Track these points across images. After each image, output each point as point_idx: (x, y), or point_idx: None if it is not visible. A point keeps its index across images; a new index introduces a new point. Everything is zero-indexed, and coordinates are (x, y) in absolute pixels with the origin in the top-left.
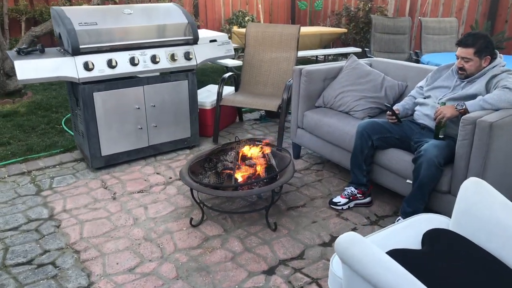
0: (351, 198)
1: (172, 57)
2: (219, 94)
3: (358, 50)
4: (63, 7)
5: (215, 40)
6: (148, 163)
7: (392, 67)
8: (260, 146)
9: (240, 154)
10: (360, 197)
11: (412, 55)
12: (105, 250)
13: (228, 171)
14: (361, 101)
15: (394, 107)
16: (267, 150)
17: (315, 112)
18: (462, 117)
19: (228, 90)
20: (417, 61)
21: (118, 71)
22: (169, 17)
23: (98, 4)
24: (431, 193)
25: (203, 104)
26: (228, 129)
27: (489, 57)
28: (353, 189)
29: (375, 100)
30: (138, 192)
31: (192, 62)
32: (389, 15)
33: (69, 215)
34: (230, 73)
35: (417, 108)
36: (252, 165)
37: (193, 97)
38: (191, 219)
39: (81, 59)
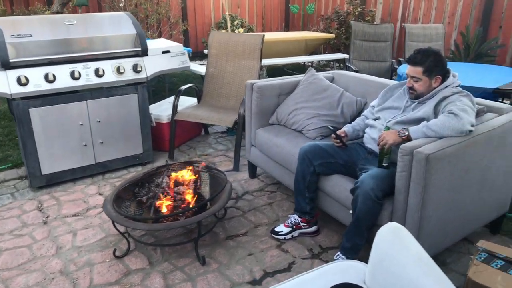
0: (294, 227)
1: (118, 70)
2: (174, 107)
3: (346, 56)
4: None
5: (168, 51)
6: (94, 181)
7: (354, 82)
8: (193, 169)
9: (170, 180)
10: (304, 226)
11: (394, 63)
12: (13, 286)
13: (155, 200)
14: (314, 119)
15: (344, 128)
16: (202, 174)
17: (266, 130)
18: (400, 147)
19: (192, 102)
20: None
21: (57, 85)
22: (117, 28)
23: (58, 12)
24: (373, 228)
25: (159, 117)
26: (190, 143)
27: (439, 77)
28: (296, 217)
29: (330, 119)
30: (72, 216)
31: (142, 75)
32: (376, 21)
33: None
34: (188, 85)
35: (366, 130)
36: (181, 193)
37: (144, 111)
38: (115, 250)
39: (13, 73)
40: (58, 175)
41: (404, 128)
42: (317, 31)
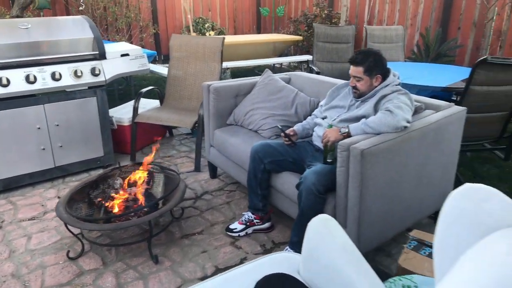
0: (248, 224)
1: (76, 74)
2: (135, 110)
3: (310, 57)
4: None
5: (127, 54)
6: (54, 185)
7: (309, 82)
8: (146, 170)
9: (123, 181)
10: (258, 222)
11: None
12: None
13: (106, 201)
14: (269, 119)
15: (294, 127)
16: (156, 175)
17: (223, 131)
18: (339, 143)
19: (155, 104)
20: None
21: (11, 89)
22: (73, 32)
23: (18, 16)
24: None
25: (121, 120)
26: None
27: (379, 76)
28: (250, 214)
29: (284, 118)
30: (29, 220)
31: (100, 78)
32: (341, 23)
33: None
34: (150, 87)
35: (314, 128)
36: (133, 193)
37: (103, 114)
38: (68, 251)
39: None
40: (16, 180)
41: (345, 126)
42: (286, 34)
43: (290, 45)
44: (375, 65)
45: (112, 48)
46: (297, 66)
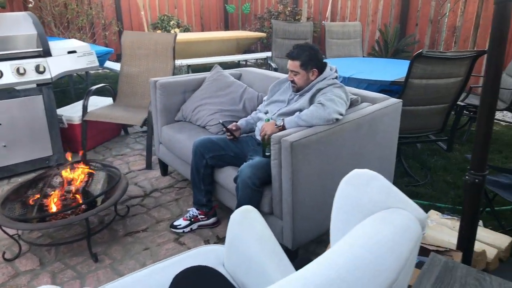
0: (193, 220)
1: (18, 71)
2: (84, 108)
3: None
4: None
5: (74, 51)
6: None
7: (259, 78)
8: (87, 168)
9: (62, 179)
10: (202, 218)
11: None
12: None
13: (42, 200)
14: (216, 115)
15: (238, 122)
16: (96, 173)
17: (171, 127)
18: (272, 136)
19: (109, 101)
20: None
21: None
22: (15, 28)
23: None
24: None
25: (71, 119)
26: (107, 144)
27: (316, 70)
28: (195, 210)
29: (232, 113)
30: None
31: (46, 76)
32: (303, 20)
33: None
34: (101, 85)
35: (257, 123)
36: (70, 191)
37: (50, 113)
38: (4, 253)
39: None
40: None
41: (281, 119)
42: (252, 31)
43: (254, 42)
44: (310, 59)
45: (59, 45)
46: (264, 63)
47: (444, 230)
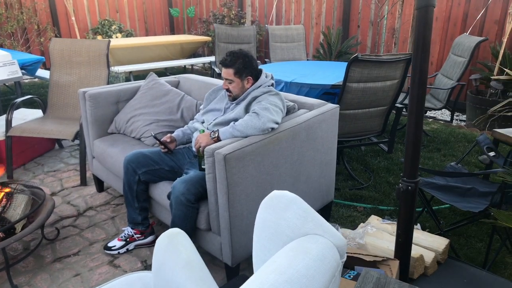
0: (128, 240)
1: None
2: (8, 122)
3: (213, 58)
4: None
5: None
6: None
7: (197, 85)
8: (5, 190)
9: None
10: (139, 237)
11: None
12: None
13: None
14: (152, 126)
15: (174, 133)
16: (17, 195)
17: (103, 141)
18: (205, 149)
19: (39, 114)
20: None
21: None
22: None
23: None
24: (194, 232)
25: None
26: (40, 159)
27: (250, 77)
28: (130, 229)
29: (169, 124)
30: None
31: None
32: (247, 23)
33: None
34: (26, 97)
35: (194, 134)
36: None
37: None
38: None
39: None
40: None
41: (215, 130)
42: (197, 35)
43: (199, 46)
44: (244, 66)
45: None
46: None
47: (385, 236)
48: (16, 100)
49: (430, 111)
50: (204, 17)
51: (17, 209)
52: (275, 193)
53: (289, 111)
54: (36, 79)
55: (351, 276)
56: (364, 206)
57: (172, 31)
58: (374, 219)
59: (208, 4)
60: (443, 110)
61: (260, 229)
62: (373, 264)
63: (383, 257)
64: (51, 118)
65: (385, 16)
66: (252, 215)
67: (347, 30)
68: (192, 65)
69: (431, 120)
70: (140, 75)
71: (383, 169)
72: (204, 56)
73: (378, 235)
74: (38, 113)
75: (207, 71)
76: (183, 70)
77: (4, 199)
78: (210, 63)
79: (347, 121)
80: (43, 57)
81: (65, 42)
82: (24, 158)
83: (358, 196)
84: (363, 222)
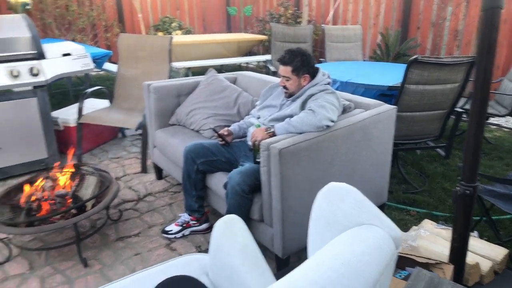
0: (184, 225)
1: (12, 73)
2: (80, 110)
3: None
4: None
5: (69, 54)
6: None
7: (254, 82)
8: (78, 172)
9: (53, 183)
10: (194, 224)
11: None
12: None
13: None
14: (210, 119)
15: (231, 127)
16: (88, 176)
17: (164, 131)
18: (261, 142)
19: (106, 104)
20: None
21: None
22: (9, 30)
23: None
24: (247, 222)
25: (67, 121)
26: (104, 146)
27: (307, 75)
28: (186, 215)
29: (226, 118)
30: None
31: (40, 78)
32: (303, 22)
33: None
34: (96, 88)
35: (249, 128)
36: (61, 195)
37: (45, 115)
38: None
39: None
40: None
41: (271, 125)
42: (254, 33)
43: (255, 45)
44: (302, 65)
45: (53, 48)
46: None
47: (438, 240)
48: (87, 90)
49: (493, 117)
50: (261, 16)
51: (88, 189)
52: (332, 184)
53: (345, 110)
54: (102, 72)
55: (402, 276)
56: (417, 211)
57: (229, 29)
58: (427, 223)
59: (265, 3)
60: (507, 117)
61: (316, 218)
62: (426, 266)
63: (437, 261)
64: (117, 108)
65: (448, 18)
66: (304, 209)
67: (406, 31)
68: (247, 63)
69: (494, 127)
70: (198, 72)
71: (439, 174)
72: (258, 54)
73: (431, 239)
74: (105, 103)
75: (261, 69)
76: (238, 67)
77: (78, 179)
78: (266, 61)
79: (404, 123)
80: (111, 51)
81: (132, 38)
82: (91, 144)
83: (412, 200)
84: (416, 226)
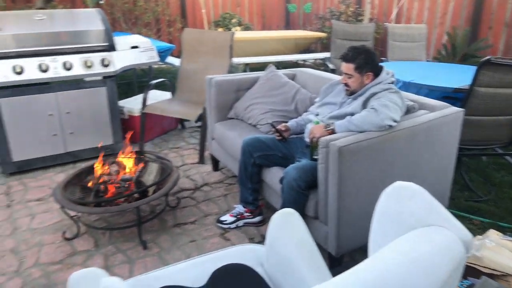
0: (239, 217)
1: (86, 64)
2: (144, 100)
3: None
4: None
5: (136, 47)
6: (64, 170)
7: (313, 79)
8: (142, 159)
9: (119, 168)
10: (248, 216)
11: None
12: None
13: (99, 186)
14: (268, 114)
15: (288, 123)
16: (150, 163)
17: (223, 124)
18: (320, 139)
19: (168, 96)
20: None
21: (25, 77)
22: (85, 24)
23: (41, 8)
24: (303, 217)
25: (132, 110)
26: (165, 136)
27: (371, 73)
28: (241, 207)
29: (283, 114)
30: (36, 200)
31: (110, 69)
32: (365, 20)
33: None
34: (161, 79)
35: (307, 125)
36: (126, 180)
37: (113, 104)
38: (64, 232)
39: None
40: (29, 163)
41: (331, 123)
42: (313, 31)
43: (313, 42)
44: (365, 62)
45: (123, 41)
46: (322, 64)
47: (504, 252)
48: (152, 82)
49: None
50: (321, 13)
51: (151, 175)
52: (399, 183)
53: (408, 111)
54: (164, 65)
55: (464, 286)
56: (481, 220)
57: (287, 26)
58: (493, 234)
59: (326, 1)
60: None
61: (380, 217)
62: (490, 277)
63: (503, 272)
64: (178, 100)
65: None
66: (361, 210)
67: (476, 31)
68: (304, 60)
69: None
70: (255, 68)
71: (507, 183)
72: (316, 52)
73: (497, 250)
74: (167, 95)
75: (318, 67)
76: (295, 65)
77: (141, 166)
78: (324, 59)
79: (471, 127)
80: (174, 45)
81: (195, 33)
82: (153, 133)
83: (475, 209)
84: (480, 235)
